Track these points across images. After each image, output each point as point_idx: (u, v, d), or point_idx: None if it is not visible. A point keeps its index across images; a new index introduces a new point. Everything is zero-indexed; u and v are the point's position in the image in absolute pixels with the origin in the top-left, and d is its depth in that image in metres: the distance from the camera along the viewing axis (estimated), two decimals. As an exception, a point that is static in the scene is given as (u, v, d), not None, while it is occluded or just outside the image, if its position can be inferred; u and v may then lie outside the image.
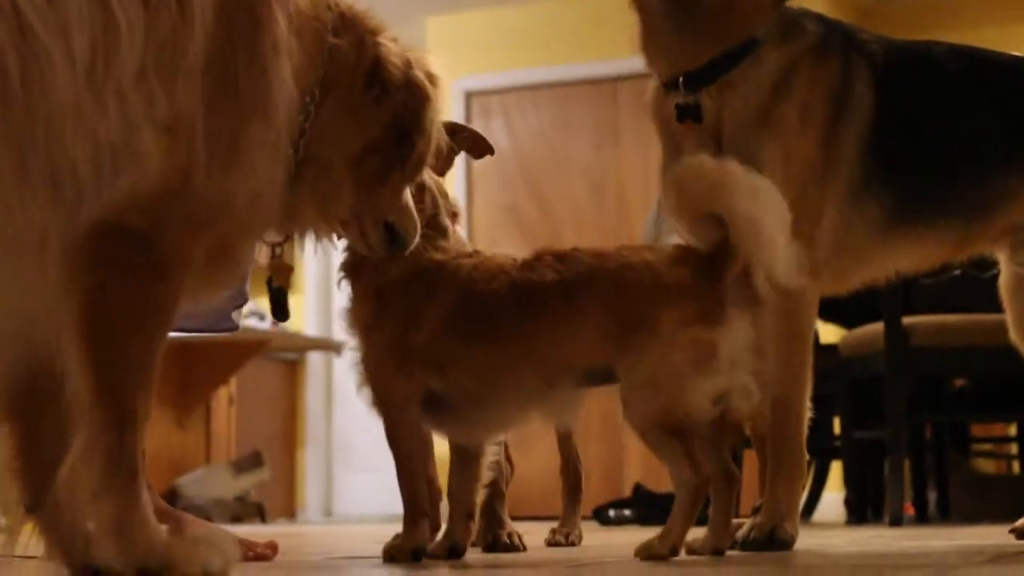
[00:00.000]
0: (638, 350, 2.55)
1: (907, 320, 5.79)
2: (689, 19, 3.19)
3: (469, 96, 9.83)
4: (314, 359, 10.65)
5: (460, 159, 3.49)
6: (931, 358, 5.86)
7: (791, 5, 3.28)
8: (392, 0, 2.47)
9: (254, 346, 8.61)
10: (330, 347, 10.02)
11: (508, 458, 3.44)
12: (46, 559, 2.23)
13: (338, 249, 2.70)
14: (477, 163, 9.32)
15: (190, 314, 2.24)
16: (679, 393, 2.51)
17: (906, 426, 5.92)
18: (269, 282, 2.64)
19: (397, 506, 2.78)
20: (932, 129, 3.32)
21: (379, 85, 2.39)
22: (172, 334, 2.15)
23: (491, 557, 3.12)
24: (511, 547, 3.27)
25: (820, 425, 5.96)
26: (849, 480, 6.69)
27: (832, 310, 6.47)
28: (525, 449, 2.99)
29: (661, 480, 7.61)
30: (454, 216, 2.97)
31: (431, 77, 2.49)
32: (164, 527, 2.13)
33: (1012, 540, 3.42)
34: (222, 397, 9.04)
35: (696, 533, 2.70)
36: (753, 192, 2.60)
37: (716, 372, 2.51)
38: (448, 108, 2.60)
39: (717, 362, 2.51)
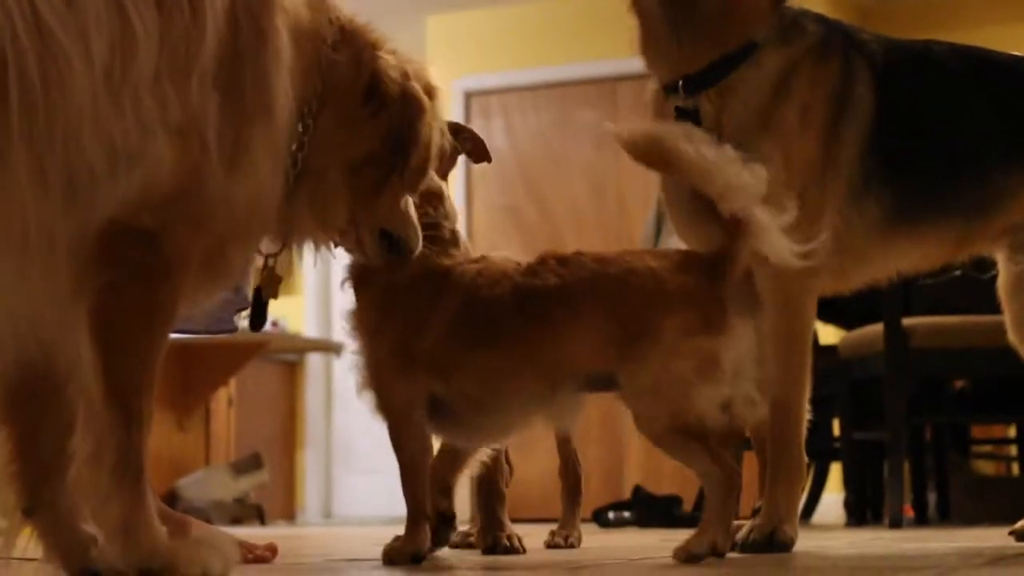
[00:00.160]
0: (640, 357, 2.54)
1: (907, 321, 5.78)
2: (688, 23, 3.19)
3: (468, 96, 9.82)
4: (314, 360, 10.65)
5: (460, 160, 3.48)
6: (931, 359, 5.86)
7: (790, 5, 3.28)
8: (392, 0, 2.47)
9: (253, 347, 8.60)
10: (329, 348, 10.02)
11: (507, 460, 3.44)
12: (45, 561, 2.23)
13: (336, 256, 2.70)
14: (476, 165, 9.34)
15: (189, 316, 2.25)
16: (685, 401, 2.50)
17: (906, 427, 5.91)
18: (257, 291, 2.65)
19: (397, 508, 2.78)
20: (932, 129, 3.32)
21: (376, 99, 2.40)
22: (171, 335, 2.15)
23: (491, 559, 3.12)
24: (511, 549, 3.26)
25: (820, 427, 5.97)
26: (849, 482, 6.69)
27: (831, 311, 6.47)
28: (525, 451, 2.99)
29: (661, 482, 7.63)
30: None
31: (429, 88, 2.51)
32: (164, 529, 2.13)
33: (1012, 542, 3.41)
34: (221, 399, 9.03)
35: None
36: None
37: (720, 381, 2.50)
38: (448, 109, 2.61)
39: (720, 371, 2.50)
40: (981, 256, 3.57)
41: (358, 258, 2.70)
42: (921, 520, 6.66)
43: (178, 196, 2.04)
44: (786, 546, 3.05)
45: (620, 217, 9.60)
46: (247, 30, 2.13)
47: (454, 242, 2.86)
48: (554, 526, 3.78)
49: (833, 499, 7.59)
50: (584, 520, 4.07)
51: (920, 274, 3.59)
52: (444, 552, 3.01)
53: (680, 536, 2.65)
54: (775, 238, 2.57)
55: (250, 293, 3.03)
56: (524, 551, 3.29)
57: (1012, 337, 3.55)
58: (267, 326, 9.15)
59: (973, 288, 4.63)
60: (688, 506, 6.73)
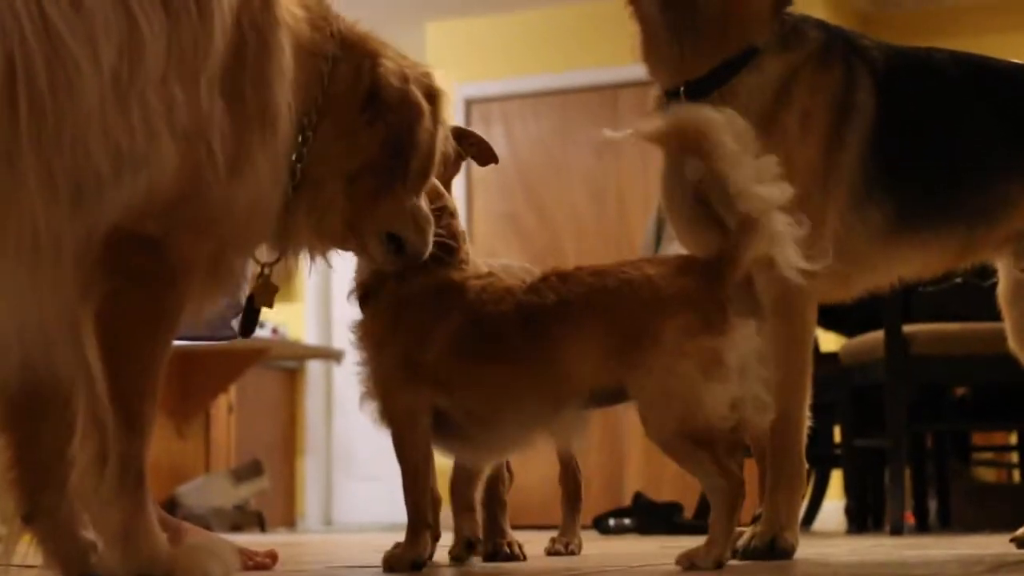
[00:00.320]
0: (645, 365, 2.54)
1: (907, 328, 5.78)
2: (688, 29, 3.19)
3: (469, 103, 9.82)
4: (314, 367, 10.64)
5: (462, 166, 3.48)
6: (932, 366, 5.86)
7: (791, 12, 3.28)
8: (392, 6, 2.48)
9: (253, 354, 8.60)
10: (330, 355, 10.02)
11: (508, 467, 3.43)
12: (44, 568, 2.23)
13: (333, 264, 2.71)
14: (477, 171, 9.33)
15: (188, 322, 2.25)
16: (694, 403, 2.49)
17: (907, 435, 5.91)
18: (251, 299, 2.65)
19: (397, 515, 2.78)
20: (934, 136, 3.32)
21: (374, 105, 2.41)
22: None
23: (492, 566, 3.12)
24: (511, 556, 3.26)
25: (820, 434, 5.97)
26: (849, 489, 6.69)
27: (832, 318, 6.47)
28: (525, 458, 2.98)
29: (661, 489, 7.63)
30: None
31: (433, 92, 2.51)
32: (164, 536, 2.12)
33: (1013, 549, 3.41)
34: (221, 406, 9.03)
35: (695, 543, 2.68)
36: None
37: (726, 380, 2.50)
38: (450, 117, 2.61)
39: (725, 369, 2.50)
40: (982, 263, 3.57)
41: (366, 265, 2.73)
42: (922, 527, 6.67)
43: (182, 201, 2.04)
44: (787, 553, 3.05)
45: (620, 224, 9.60)
46: (252, 42, 2.14)
47: (463, 258, 2.86)
48: (555, 533, 3.78)
49: (834, 506, 7.59)
50: (585, 527, 4.07)
51: (921, 281, 3.58)
52: (443, 559, 3.01)
53: (681, 543, 2.65)
54: (787, 248, 2.56)
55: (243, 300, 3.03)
56: (525, 558, 3.29)
57: (1012, 344, 3.55)
58: (267, 333, 9.20)
59: (974, 295, 4.63)
60: (689, 513, 6.73)
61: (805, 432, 3.17)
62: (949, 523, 7.02)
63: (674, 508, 6.82)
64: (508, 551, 3.27)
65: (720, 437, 2.53)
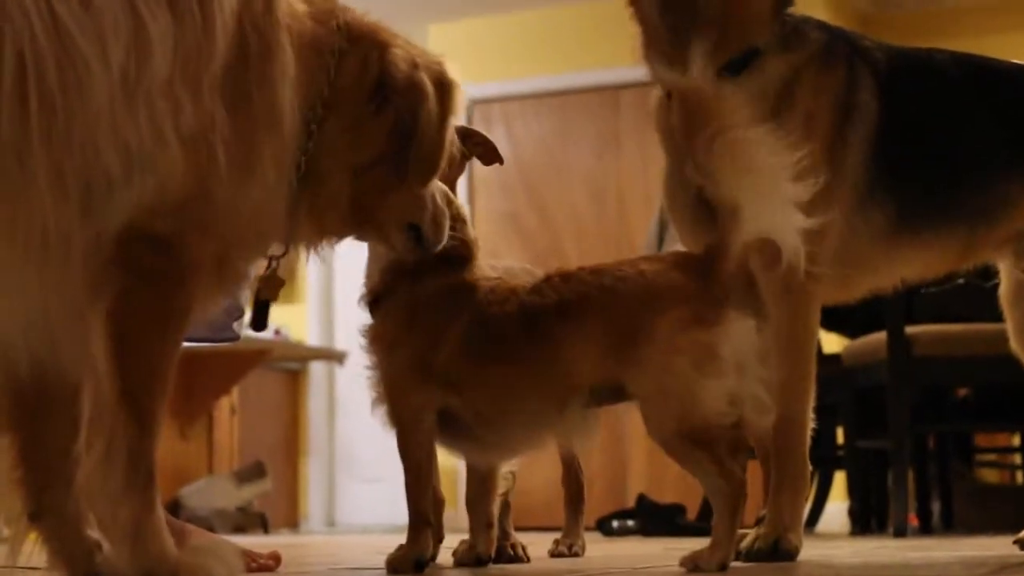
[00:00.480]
0: (640, 362, 2.54)
1: (910, 330, 5.78)
2: (689, 30, 3.19)
3: (471, 104, 9.81)
4: (316, 369, 10.64)
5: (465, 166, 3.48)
6: (934, 368, 5.86)
7: (792, 13, 3.28)
8: (394, 7, 2.48)
9: (256, 356, 8.60)
10: (332, 357, 10.01)
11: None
12: (49, 569, 2.23)
13: (330, 259, 2.71)
14: (478, 172, 9.33)
15: (192, 323, 2.25)
16: (690, 398, 2.50)
17: (909, 436, 5.91)
18: (257, 293, 2.66)
19: (400, 516, 2.78)
20: (935, 136, 3.32)
21: (381, 93, 2.41)
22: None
23: (495, 568, 3.12)
24: (515, 558, 3.27)
25: (823, 435, 5.96)
26: (853, 490, 6.69)
27: (835, 320, 6.47)
28: (528, 460, 2.99)
29: (664, 491, 7.63)
30: None
31: (444, 82, 2.51)
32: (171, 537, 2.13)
33: (1016, 551, 3.41)
34: (224, 407, 9.02)
35: (698, 544, 2.68)
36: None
37: (722, 374, 2.49)
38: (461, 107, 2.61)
39: (720, 362, 2.50)
40: (984, 264, 3.57)
41: (377, 270, 2.77)
42: (925, 529, 6.66)
43: (189, 202, 2.04)
44: (790, 555, 3.05)
45: (620, 224, 9.60)
46: (254, 44, 2.14)
47: (472, 253, 2.88)
48: (558, 535, 3.78)
49: (837, 508, 7.59)
50: (588, 529, 4.07)
51: (923, 282, 3.58)
52: (446, 560, 3.01)
53: (685, 545, 2.65)
54: (772, 216, 2.55)
55: (248, 299, 3.04)
56: (528, 560, 3.29)
57: (1014, 345, 3.55)
58: (270, 334, 9.19)
59: (976, 296, 4.64)
60: (692, 515, 6.73)
61: (809, 434, 3.17)
62: (952, 525, 7.02)
63: (677, 510, 6.82)
64: (512, 553, 3.27)
65: (720, 436, 2.53)
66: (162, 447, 2.06)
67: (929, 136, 3.32)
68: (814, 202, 3.10)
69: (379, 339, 2.80)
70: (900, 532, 5.60)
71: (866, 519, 6.64)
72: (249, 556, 3.04)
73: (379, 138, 2.43)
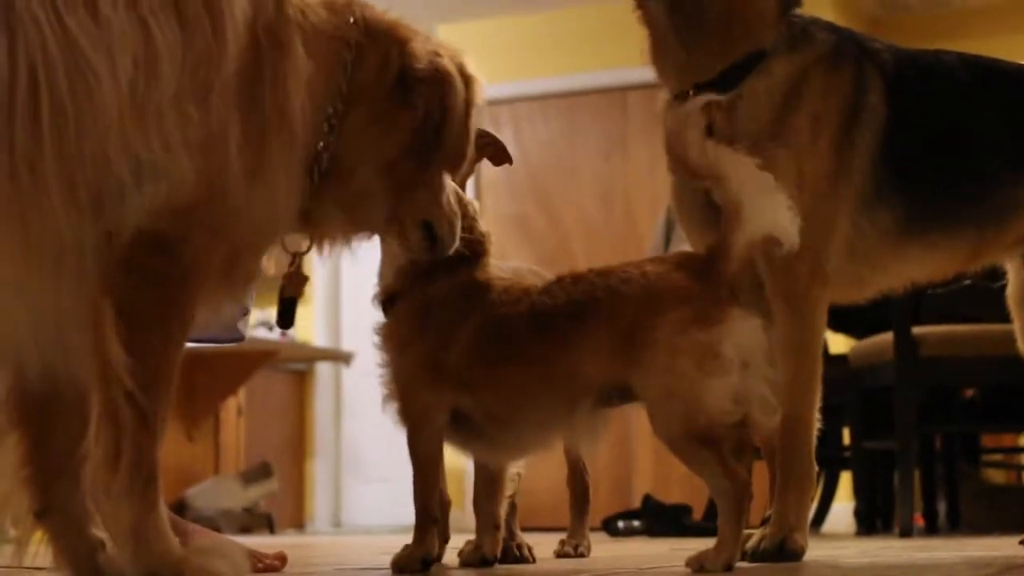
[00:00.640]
0: (644, 363, 2.55)
1: (916, 330, 5.78)
2: (696, 31, 3.19)
3: (478, 106, 9.81)
4: (323, 369, 10.64)
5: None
6: (941, 368, 5.85)
7: (800, 14, 3.28)
8: (403, 9, 2.48)
9: (262, 357, 8.61)
10: (339, 357, 10.02)
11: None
12: (54, 569, 2.24)
13: (333, 262, 2.72)
14: (486, 173, 9.33)
15: (200, 324, 2.25)
16: (694, 397, 2.50)
17: (916, 436, 5.91)
18: (282, 291, 2.66)
19: (406, 517, 2.79)
20: (944, 138, 3.32)
21: (405, 86, 2.41)
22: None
23: (502, 568, 3.12)
24: (521, 558, 3.26)
25: (829, 435, 5.96)
26: (859, 491, 6.68)
27: (841, 320, 6.46)
28: (534, 460, 2.99)
29: (670, 491, 7.63)
30: None
31: (466, 75, 2.51)
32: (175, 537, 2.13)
33: (1022, 551, 3.41)
34: (231, 408, 9.03)
35: (704, 545, 2.69)
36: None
37: (725, 372, 2.49)
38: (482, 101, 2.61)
39: (723, 361, 2.50)
40: (992, 265, 3.57)
41: (390, 269, 2.78)
42: (931, 529, 6.66)
43: (199, 206, 2.04)
44: (796, 555, 3.05)
45: (628, 226, 9.60)
46: (266, 46, 2.14)
47: (485, 253, 2.89)
48: (564, 535, 3.78)
49: (843, 508, 7.58)
50: (594, 529, 4.08)
51: (931, 283, 3.58)
52: (452, 561, 3.01)
53: (690, 545, 2.65)
54: (781, 222, 2.56)
55: (251, 301, 3.05)
56: (534, 560, 3.29)
57: (1021, 346, 3.55)
58: (276, 335, 9.19)
59: (983, 297, 4.63)
60: (698, 515, 6.73)
61: (814, 434, 3.17)
62: (958, 525, 7.02)
63: (683, 510, 6.82)
64: (518, 553, 3.27)
65: (725, 436, 2.53)
66: (168, 448, 2.06)
67: (937, 137, 3.31)
68: (820, 205, 3.12)
69: (392, 338, 2.81)
70: (906, 532, 5.60)
71: (872, 519, 6.63)
72: (255, 556, 3.04)
73: (403, 131, 2.43)
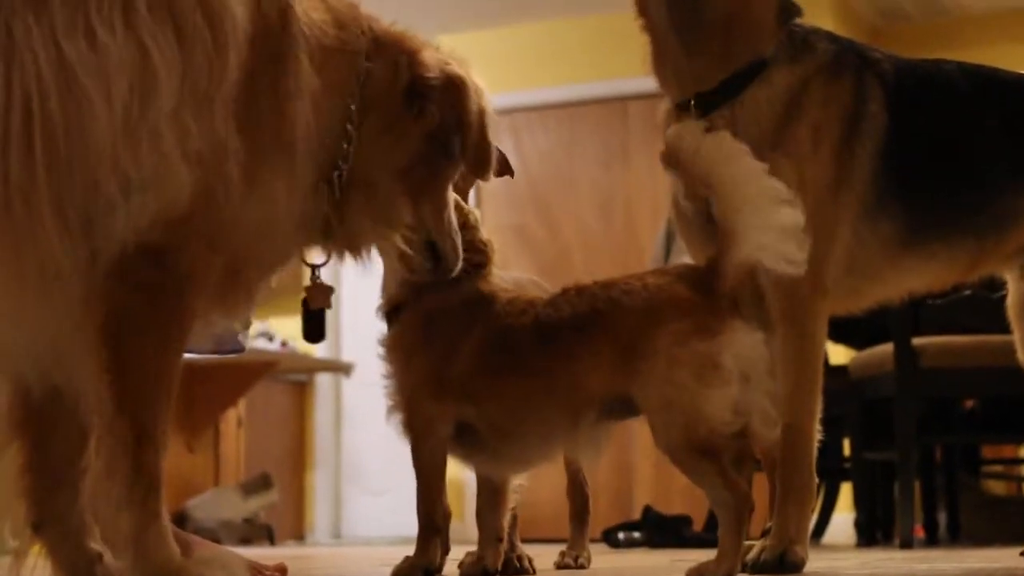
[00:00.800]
0: (645, 374, 2.55)
1: (917, 341, 5.78)
2: (697, 39, 3.19)
3: (478, 117, 9.81)
4: (323, 380, 10.64)
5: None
6: (941, 379, 5.85)
7: (801, 23, 3.28)
8: (403, 19, 2.49)
9: (262, 368, 8.60)
10: (339, 368, 10.01)
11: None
12: (52, 579, 2.24)
13: (335, 273, 2.72)
14: (486, 183, 9.33)
15: (201, 336, 2.25)
16: (694, 408, 2.49)
17: (916, 447, 5.90)
18: (306, 303, 2.65)
19: (406, 528, 2.79)
20: (944, 148, 3.32)
21: (418, 96, 2.42)
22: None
23: (501, 580, 3.12)
24: (521, 570, 3.26)
25: (830, 446, 5.95)
26: (859, 502, 6.68)
27: (842, 331, 6.46)
28: (534, 471, 2.99)
29: (671, 502, 7.62)
30: None
31: (472, 83, 2.53)
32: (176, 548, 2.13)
33: (1023, 562, 3.40)
34: (231, 419, 9.03)
35: (705, 556, 2.68)
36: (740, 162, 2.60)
37: (725, 383, 2.49)
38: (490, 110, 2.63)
39: (723, 372, 2.49)
40: (991, 275, 3.57)
41: (393, 280, 2.77)
42: (932, 540, 6.66)
43: (193, 216, 2.04)
44: (797, 567, 3.04)
45: (628, 236, 9.60)
46: (267, 62, 2.15)
47: (489, 264, 2.89)
48: (564, 546, 3.78)
49: (843, 519, 7.57)
50: (594, 540, 4.07)
51: (930, 294, 3.58)
52: (452, 572, 3.01)
53: (691, 556, 2.65)
54: (780, 244, 2.55)
55: (252, 315, 3.05)
56: (535, 572, 3.29)
57: (1021, 357, 3.55)
58: (276, 346, 9.19)
59: (983, 308, 4.63)
60: (698, 526, 6.72)
61: (815, 445, 3.16)
62: (959, 536, 7.01)
63: (683, 521, 6.82)
64: (518, 565, 3.27)
65: (725, 447, 2.53)
66: (168, 459, 2.06)
67: (937, 147, 3.31)
68: (821, 215, 3.11)
69: (396, 349, 2.81)
70: (906, 544, 5.59)
71: (872, 531, 6.63)
72: (256, 568, 3.03)
73: (415, 139, 2.44)
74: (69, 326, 2.00)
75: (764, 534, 3.16)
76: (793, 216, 2.51)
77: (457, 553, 3.09)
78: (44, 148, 1.88)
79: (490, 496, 2.95)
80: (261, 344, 8.95)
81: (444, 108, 2.45)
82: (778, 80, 3.19)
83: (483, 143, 2.54)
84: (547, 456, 2.84)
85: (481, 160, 2.55)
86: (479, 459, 2.84)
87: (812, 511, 3.22)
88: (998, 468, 8.60)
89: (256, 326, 7.95)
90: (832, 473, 7.20)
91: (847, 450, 6.91)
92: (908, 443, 5.75)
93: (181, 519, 7.71)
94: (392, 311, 2.86)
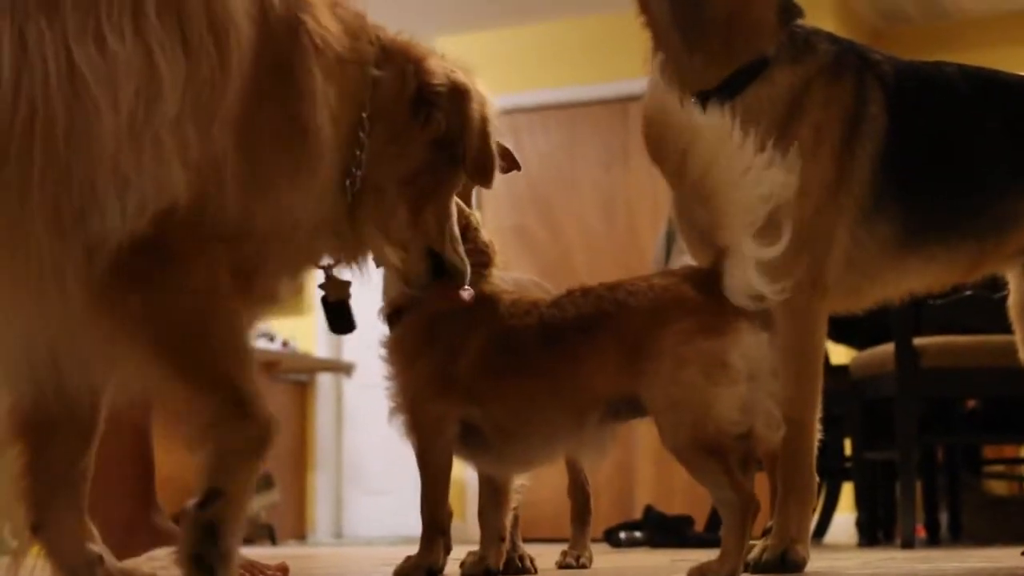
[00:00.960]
0: (651, 374, 2.55)
1: (918, 341, 5.77)
2: (698, 37, 3.20)
3: (479, 117, 9.81)
4: (324, 380, 10.64)
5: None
6: (942, 379, 5.85)
7: (802, 24, 3.28)
8: (402, 20, 2.50)
9: (263, 367, 8.60)
10: (340, 368, 10.01)
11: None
12: (50, 583, 2.24)
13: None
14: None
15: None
16: (702, 407, 2.49)
17: (917, 447, 5.90)
18: (324, 298, 2.66)
19: (407, 528, 2.79)
20: (944, 149, 3.32)
21: (424, 104, 2.43)
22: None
23: (503, 580, 3.12)
24: (523, 570, 3.26)
25: (831, 446, 5.96)
26: (860, 502, 6.68)
27: (843, 331, 6.47)
28: (536, 471, 2.99)
29: (672, 502, 7.62)
30: None
31: (477, 90, 2.55)
32: (172, 548, 2.13)
33: (1025, 562, 3.41)
34: (232, 419, 9.01)
35: (706, 556, 2.68)
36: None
37: (732, 382, 2.49)
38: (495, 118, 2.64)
39: (730, 371, 2.50)
40: (992, 276, 3.57)
41: (394, 283, 2.77)
42: (933, 540, 6.65)
43: (187, 211, 2.04)
44: (798, 566, 3.05)
45: (629, 237, 9.60)
46: (275, 75, 2.15)
47: (491, 265, 2.90)
48: (566, 546, 3.78)
49: (845, 519, 7.58)
50: (596, 540, 4.07)
51: (931, 294, 3.58)
52: (454, 571, 3.01)
53: (692, 556, 2.65)
54: (750, 273, 2.55)
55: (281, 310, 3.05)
56: (536, 571, 3.29)
57: (1023, 357, 3.55)
58: (277, 346, 9.18)
59: (984, 308, 4.63)
60: (700, 526, 6.72)
61: (816, 445, 3.17)
62: (960, 536, 7.01)
63: (685, 521, 6.81)
64: (520, 564, 3.27)
65: (732, 447, 2.53)
66: (169, 459, 2.07)
67: (937, 148, 3.32)
68: (821, 215, 3.12)
69: (399, 351, 2.81)
70: (908, 543, 5.59)
71: (874, 530, 6.63)
72: (257, 568, 3.04)
73: (421, 146, 2.46)
74: (64, 329, 2.00)
75: (765, 533, 3.17)
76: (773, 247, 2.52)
77: (459, 552, 3.10)
78: (43, 152, 1.88)
79: (492, 496, 2.95)
80: (262, 344, 8.95)
81: (450, 116, 2.46)
82: (780, 79, 3.20)
83: (485, 150, 2.55)
84: (551, 457, 2.84)
85: (482, 167, 2.56)
86: (483, 460, 2.85)
87: (813, 511, 3.22)
88: (999, 468, 8.60)
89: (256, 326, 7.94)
90: (833, 473, 7.20)
91: (848, 450, 6.91)
92: (909, 443, 5.75)
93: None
94: (394, 313, 2.86)
